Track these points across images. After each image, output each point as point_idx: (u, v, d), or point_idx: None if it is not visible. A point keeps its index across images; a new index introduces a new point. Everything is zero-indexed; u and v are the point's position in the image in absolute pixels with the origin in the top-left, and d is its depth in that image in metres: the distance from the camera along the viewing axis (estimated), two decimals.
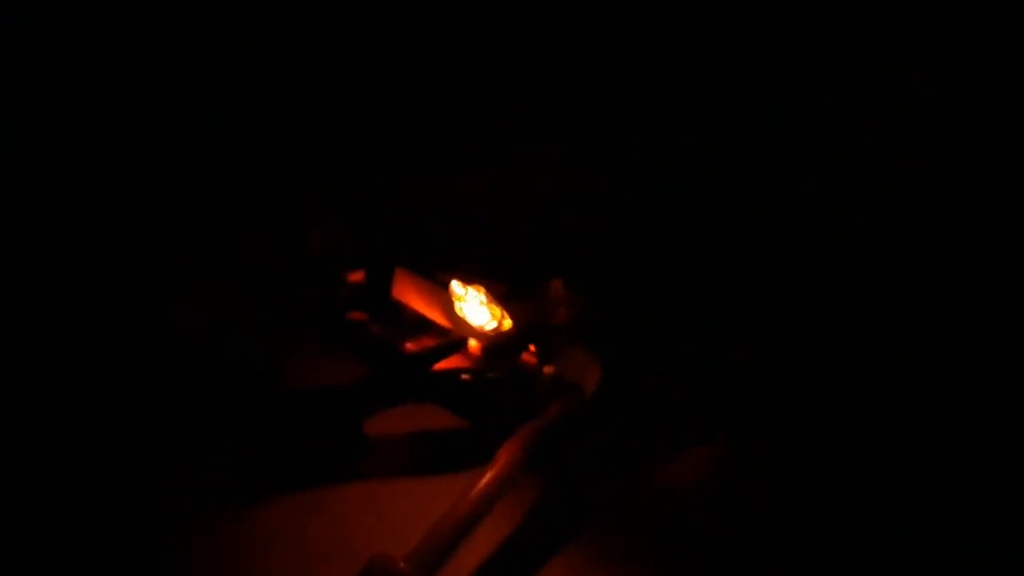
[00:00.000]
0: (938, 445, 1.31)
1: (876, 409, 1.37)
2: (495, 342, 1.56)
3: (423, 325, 1.65)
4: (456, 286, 1.54)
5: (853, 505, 1.23)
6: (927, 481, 1.25)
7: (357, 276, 1.71)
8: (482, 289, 1.52)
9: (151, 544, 1.14)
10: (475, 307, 1.53)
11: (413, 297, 1.65)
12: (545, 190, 1.82)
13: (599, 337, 1.58)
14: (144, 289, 1.54)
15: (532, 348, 1.60)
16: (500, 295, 1.50)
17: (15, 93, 1.41)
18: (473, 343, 1.60)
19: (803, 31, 1.44)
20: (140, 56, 1.58)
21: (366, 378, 1.47)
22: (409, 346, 1.61)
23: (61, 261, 1.48)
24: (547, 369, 1.45)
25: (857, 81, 1.44)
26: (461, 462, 1.35)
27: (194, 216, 1.78)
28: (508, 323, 1.54)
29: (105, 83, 1.56)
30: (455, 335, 1.60)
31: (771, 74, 1.50)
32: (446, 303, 1.58)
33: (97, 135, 1.61)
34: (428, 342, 1.60)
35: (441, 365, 1.56)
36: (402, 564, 1.09)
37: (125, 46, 1.54)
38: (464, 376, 1.49)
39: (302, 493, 1.37)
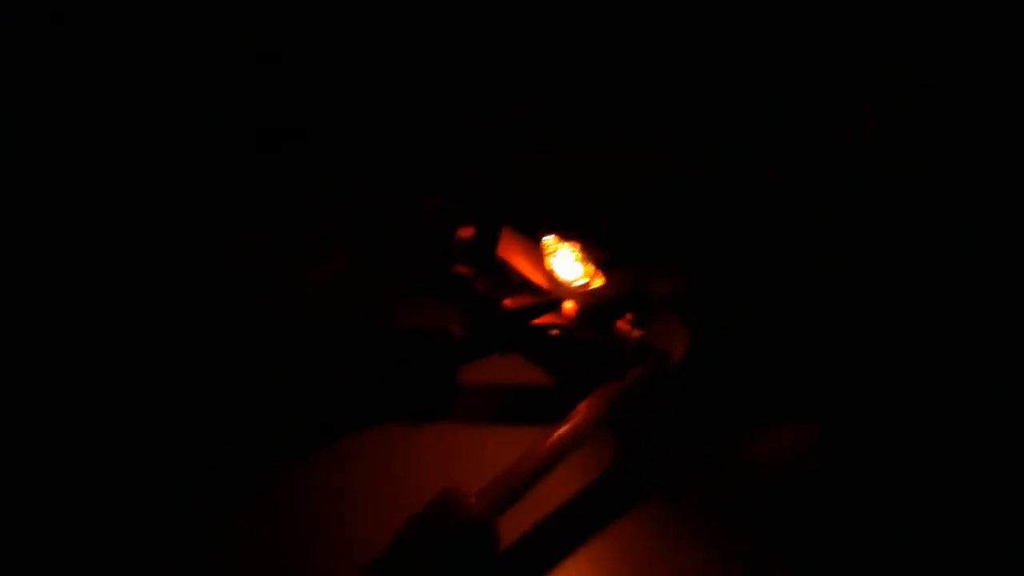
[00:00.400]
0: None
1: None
2: (589, 303, 1.60)
3: (524, 284, 1.72)
4: (549, 239, 1.60)
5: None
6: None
7: (467, 232, 1.79)
8: (577, 246, 1.57)
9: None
10: (566, 262, 1.58)
11: (517, 256, 1.72)
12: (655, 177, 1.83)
13: (696, 314, 1.60)
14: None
15: (628, 317, 1.63)
16: (598, 259, 1.55)
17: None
18: (568, 304, 1.65)
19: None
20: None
21: (464, 328, 1.55)
22: (507, 302, 1.68)
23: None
24: (636, 333, 1.49)
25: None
26: (544, 415, 1.41)
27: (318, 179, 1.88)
28: (599, 282, 1.59)
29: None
30: (553, 295, 1.66)
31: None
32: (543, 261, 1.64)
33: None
34: (526, 300, 1.67)
35: (536, 322, 1.62)
36: (472, 500, 1.14)
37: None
38: (553, 331, 1.54)
39: (392, 427, 1.45)
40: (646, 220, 1.78)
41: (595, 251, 1.55)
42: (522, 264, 1.71)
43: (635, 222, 1.77)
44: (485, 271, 1.74)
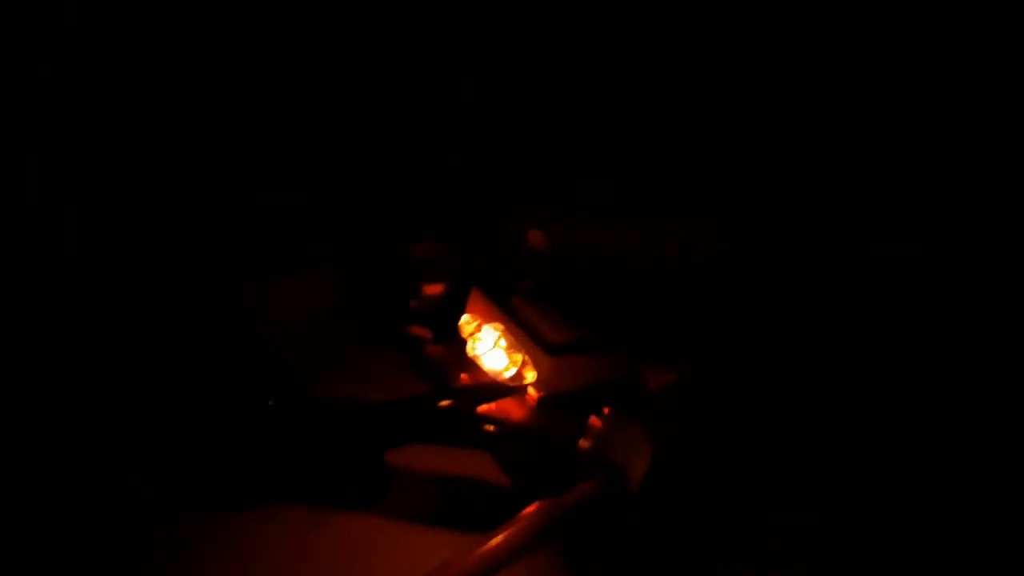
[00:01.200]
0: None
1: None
2: (553, 397, 1.38)
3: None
4: (466, 321, 1.39)
5: None
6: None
7: (434, 289, 1.57)
8: (500, 328, 1.35)
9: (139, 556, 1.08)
10: (489, 348, 1.37)
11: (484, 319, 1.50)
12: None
13: (684, 416, 1.36)
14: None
15: (605, 413, 1.40)
16: (556, 342, 1.33)
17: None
18: (533, 392, 1.42)
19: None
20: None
21: (402, 401, 1.33)
22: (464, 377, 1.46)
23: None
24: (583, 443, 1.25)
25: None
26: (481, 517, 1.18)
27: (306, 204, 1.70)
28: (531, 375, 1.35)
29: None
30: (518, 377, 1.43)
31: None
32: (517, 336, 1.42)
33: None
34: (484, 378, 1.44)
35: (490, 407, 1.39)
36: None
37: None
38: (488, 427, 1.32)
39: (307, 510, 1.24)
40: (642, 291, 1.54)
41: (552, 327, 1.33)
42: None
43: (630, 293, 1.54)
44: (443, 337, 1.52)
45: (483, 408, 1.36)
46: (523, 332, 1.40)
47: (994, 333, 1.25)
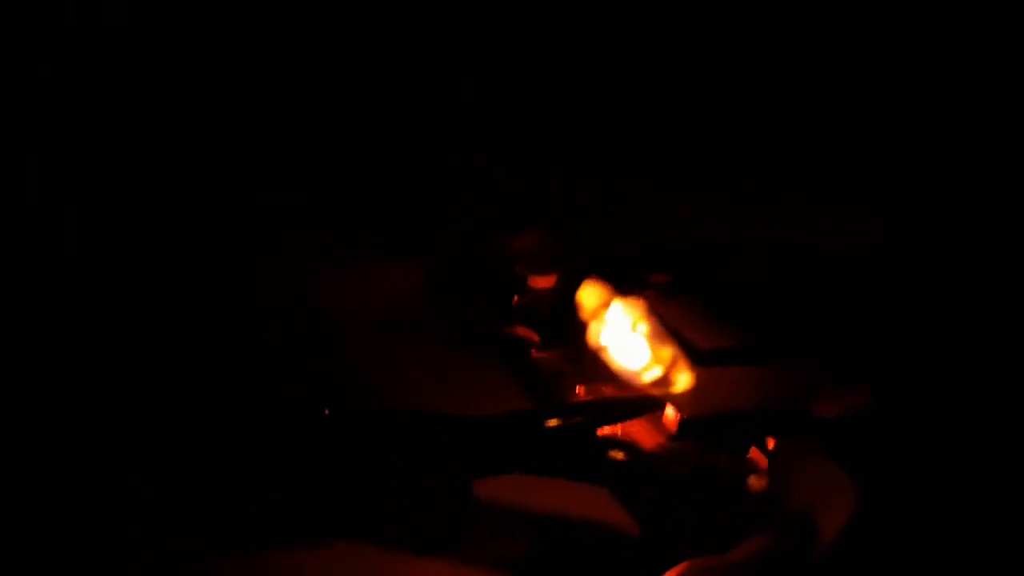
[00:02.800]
0: None
1: None
2: (701, 419, 1.02)
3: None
4: (587, 295, 1.01)
5: None
6: None
7: (543, 282, 1.25)
8: (640, 307, 0.98)
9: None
10: (622, 334, 0.99)
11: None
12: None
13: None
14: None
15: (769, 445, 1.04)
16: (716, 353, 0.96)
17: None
18: (671, 412, 1.07)
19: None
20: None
21: (497, 419, 1.00)
22: (580, 390, 1.12)
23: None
24: (756, 482, 0.89)
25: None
26: None
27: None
28: (684, 380, 0.98)
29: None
30: (653, 392, 1.08)
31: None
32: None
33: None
34: (608, 391, 1.10)
35: (614, 429, 1.04)
36: None
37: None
38: (615, 454, 0.96)
39: (366, 549, 0.93)
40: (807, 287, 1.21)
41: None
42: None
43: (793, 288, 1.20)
44: (554, 340, 1.19)
45: (606, 430, 1.01)
46: (663, 336, 1.05)
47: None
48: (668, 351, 0.98)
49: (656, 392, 1.00)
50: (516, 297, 1.25)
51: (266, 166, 1.39)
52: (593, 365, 1.14)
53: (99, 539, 0.93)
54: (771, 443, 1.05)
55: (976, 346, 1.04)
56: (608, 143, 1.43)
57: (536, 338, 1.21)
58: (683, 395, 1.01)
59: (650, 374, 1.00)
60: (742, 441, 1.05)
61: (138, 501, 0.96)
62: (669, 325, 1.07)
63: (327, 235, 1.35)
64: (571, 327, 1.19)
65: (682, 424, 1.05)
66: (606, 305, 1.03)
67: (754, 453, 1.04)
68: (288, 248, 1.33)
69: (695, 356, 1.04)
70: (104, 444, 1.01)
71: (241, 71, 1.39)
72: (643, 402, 1.06)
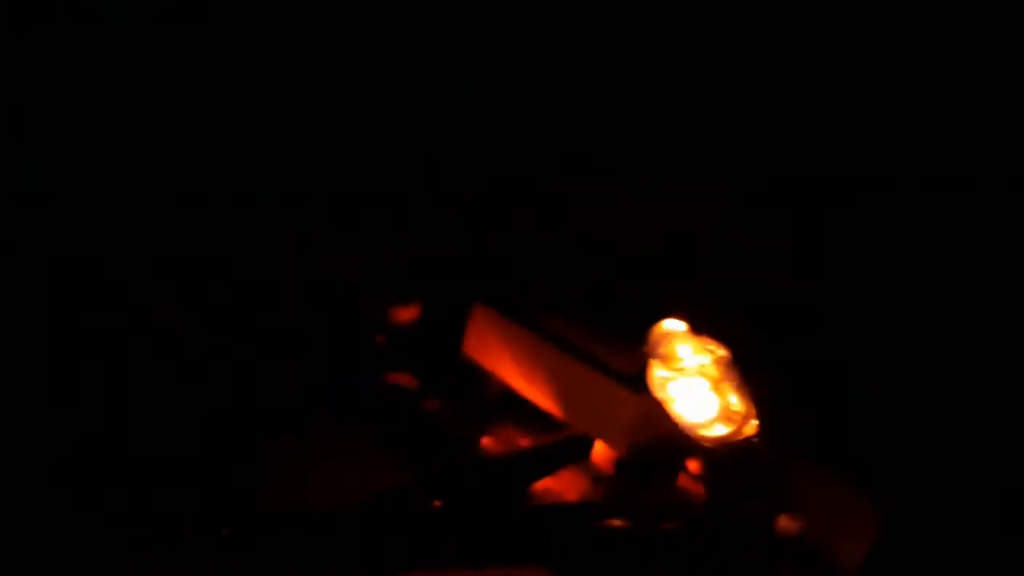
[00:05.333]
0: None
1: None
2: (636, 451, 0.88)
3: (512, 406, 0.98)
4: (680, 345, 0.83)
5: None
6: None
7: (408, 314, 1.05)
8: (721, 359, 0.81)
9: None
10: (696, 389, 0.83)
11: (500, 356, 0.98)
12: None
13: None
14: None
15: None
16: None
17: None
18: (600, 449, 0.92)
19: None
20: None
21: (399, 491, 0.81)
22: (486, 441, 0.94)
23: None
24: (788, 524, 0.77)
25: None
26: None
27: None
28: (751, 427, 0.83)
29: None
30: (571, 429, 0.93)
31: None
32: (569, 373, 0.91)
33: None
34: (523, 438, 0.93)
35: (545, 485, 0.88)
36: None
37: None
38: (613, 520, 0.80)
39: None
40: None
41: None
42: (510, 368, 0.98)
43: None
44: (440, 381, 1.00)
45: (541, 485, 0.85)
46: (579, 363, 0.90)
47: None
48: (740, 404, 0.81)
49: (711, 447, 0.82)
50: (380, 336, 1.03)
51: None
52: (502, 409, 0.97)
53: None
54: (693, 466, 0.94)
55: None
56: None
57: (414, 384, 1.00)
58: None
59: (717, 430, 0.83)
60: (670, 469, 0.94)
61: None
62: (582, 348, 0.93)
63: None
64: (459, 365, 1.00)
65: (621, 463, 0.91)
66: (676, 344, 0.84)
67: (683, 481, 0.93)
68: None
69: (626, 381, 0.90)
70: None
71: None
72: (572, 444, 0.91)
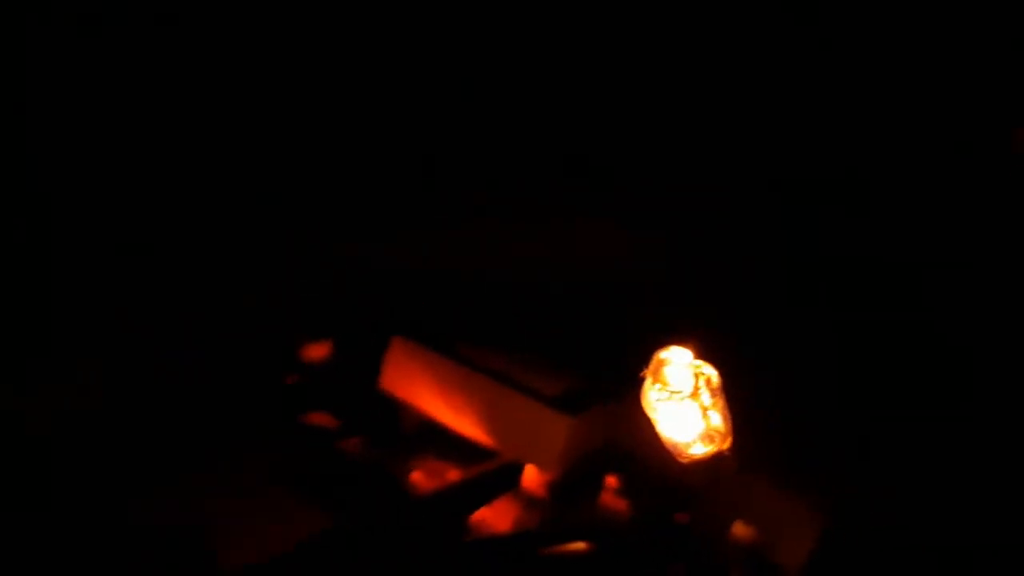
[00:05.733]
0: None
1: None
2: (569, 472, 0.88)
3: (435, 438, 0.96)
4: (678, 371, 0.82)
5: None
6: None
7: (320, 351, 1.01)
8: (714, 387, 0.82)
9: None
10: (685, 412, 0.82)
11: (422, 388, 0.96)
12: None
13: None
14: None
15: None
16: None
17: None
18: (531, 474, 0.92)
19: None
20: None
21: (326, 537, 0.77)
22: (416, 476, 0.91)
23: None
24: (740, 530, 0.78)
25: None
26: None
27: None
28: (727, 444, 0.83)
29: None
30: (501, 457, 0.92)
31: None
32: (499, 400, 0.90)
33: None
34: (452, 471, 0.91)
35: (480, 516, 0.86)
36: None
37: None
38: (578, 545, 0.79)
39: None
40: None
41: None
42: (432, 400, 0.96)
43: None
44: (359, 419, 0.97)
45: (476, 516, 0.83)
46: (509, 389, 0.89)
47: None
48: (724, 427, 0.80)
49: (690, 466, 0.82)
50: (291, 377, 0.99)
51: None
52: (425, 442, 0.94)
53: None
54: (612, 481, 0.95)
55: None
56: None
57: (333, 424, 0.97)
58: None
59: (697, 449, 0.82)
60: (595, 486, 0.94)
61: None
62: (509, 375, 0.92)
63: None
64: (377, 401, 0.97)
65: (555, 485, 0.91)
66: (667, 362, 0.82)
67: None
68: None
69: (555, 404, 0.90)
70: None
71: None
72: (503, 472, 0.90)
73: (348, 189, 1.15)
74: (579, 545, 0.80)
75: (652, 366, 0.79)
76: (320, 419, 0.97)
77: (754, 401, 0.80)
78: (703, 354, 0.80)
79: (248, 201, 1.11)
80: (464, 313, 1.03)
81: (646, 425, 0.80)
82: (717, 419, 0.79)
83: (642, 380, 0.79)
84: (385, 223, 1.13)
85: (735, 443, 0.78)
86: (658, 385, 0.79)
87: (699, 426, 0.78)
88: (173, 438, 0.95)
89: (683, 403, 0.78)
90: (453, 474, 0.91)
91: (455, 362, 0.94)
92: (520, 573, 0.81)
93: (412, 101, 1.20)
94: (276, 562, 0.79)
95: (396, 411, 0.98)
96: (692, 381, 0.78)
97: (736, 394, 0.79)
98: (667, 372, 0.79)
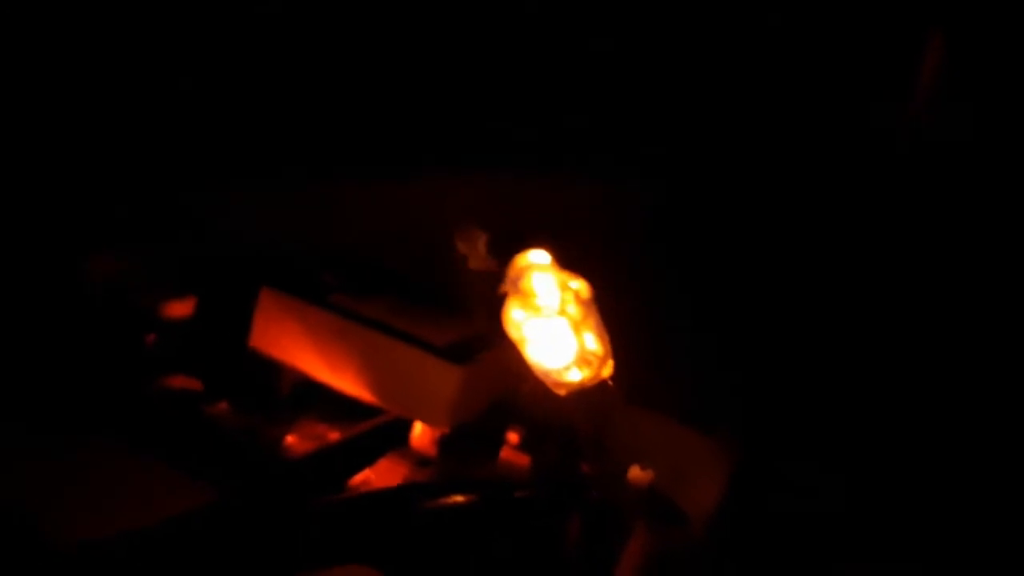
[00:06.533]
0: None
1: None
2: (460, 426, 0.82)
3: (313, 397, 0.88)
4: (541, 279, 0.73)
5: None
6: None
7: (181, 309, 0.91)
8: (583, 298, 0.73)
9: None
10: (554, 330, 0.73)
11: (296, 344, 0.88)
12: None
13: None
14: None
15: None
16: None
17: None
18: (420, 431, 0.85)
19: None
20: None
21: (199, 510, 0.69)
22: (291, 439, 0.83)
23: None
24: (637, 474, 0.73)
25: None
26: None
27: None
28: (608, 369, 0.76)
29: None
30: (386, 414, 0.85)
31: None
32: (381, 352, 0.82)
33: None
34: (331, 431, 0.84)
35: (363, 478, 0.79)
36: None
37: None
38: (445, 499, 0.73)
39: None
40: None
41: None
42: (305, 355, 0.88)
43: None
44: (224, 380, 0.88)
45: (359, 478, 0.76)
46: (391, 340, 0.82)
47: None
48: (601, 349, 0.73)
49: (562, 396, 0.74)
50: (150, 336, 0.89)
51: None
52: (302, 402, 0.86)
53: None
54: (514, 437, 0.90)
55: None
56: None
57: (199, 387, 0.87)
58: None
59: (572, 375, 0.74)
60: (493, 442, 0.88)
61: None
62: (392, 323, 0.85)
63: None
64: (245, 359, 0.89)
65: (445, 441, 0.84)
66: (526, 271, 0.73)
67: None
68: None
69: (442, 353, 0.83)
70: None
71: None
72: (389, 430, 0.83)
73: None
74: (458, 498, 0.73)
75: (511, 275, 0.72)
76: (183, 382, 0.88)
77: (635, 321, 0.75)
78: (567, 263, 0.74)
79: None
80: (338, 264, 0.95)
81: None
82: (592, 340, 0.73)
83: (502, 297, 0.72)
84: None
85: (617, 370, 0.72)
86: (519, 301, 0.72)
87: (573, 347, 0.72)
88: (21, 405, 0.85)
89: (551, 319, 0.71)
90: (332, 435, 0.84)
91: (331, 313, 0.86)
92: (401, 529, 0.74)
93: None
94: (132, 538, 0.71)
95: (269, 370, 0.90)
96: (558, 293, 0.72)
97: (611, 313, 0.73)
98: (530, 282, 0.72)
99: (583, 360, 0.72)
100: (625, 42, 1.25)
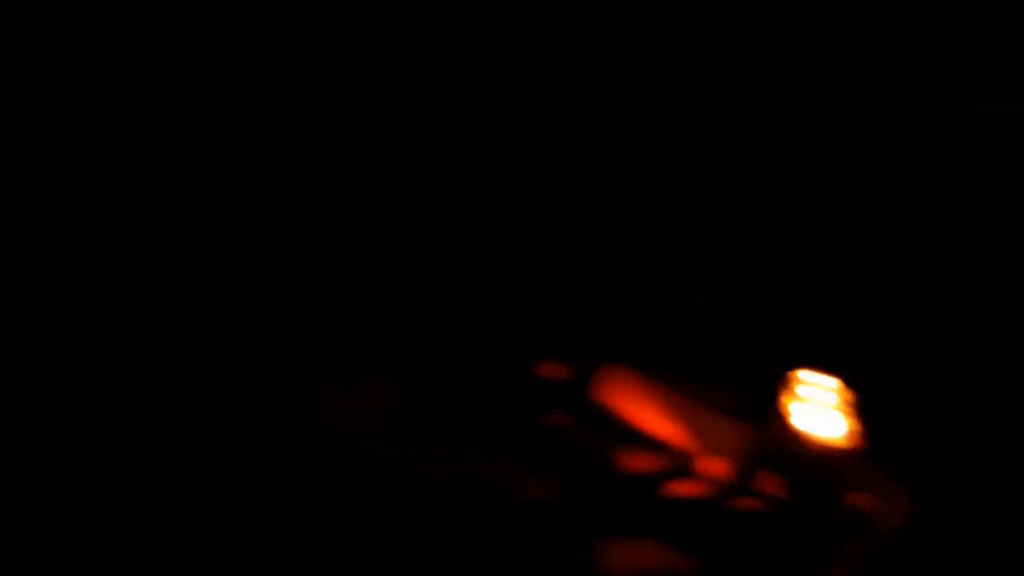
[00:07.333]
0: None
1: None
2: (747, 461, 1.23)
3: (633, 436, 1.34)
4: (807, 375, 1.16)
5: None
6: None
7: (557, 372, 1.42)
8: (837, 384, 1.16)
9: None
10: (821, 408, 1.15)
11: (626, 398, 1.35)
12: None
13: None
14: None
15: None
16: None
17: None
18: (708, 464, 1.28)
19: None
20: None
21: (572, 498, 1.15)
22: (628, 460, 1.30)
23: None
24: (860, 500, 1.11)
25: None
26: None
27: None
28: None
29: None
30: (684, 452, 1.28)
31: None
32: (677, 410, 1.27)
33: None
34: (649, 460, 1.29)
35: (671, 489, 1.23)
36: None
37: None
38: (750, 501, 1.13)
39: None
40: None
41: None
42: (634, 408, 1.35)
43: None
44: (586, 419, 1.36)
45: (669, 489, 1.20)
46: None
47: None
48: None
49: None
50: None
51: None
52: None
53: None
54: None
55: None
56: None
57: (572, 422, 1.38)
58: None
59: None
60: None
61: None
62: None
63: None
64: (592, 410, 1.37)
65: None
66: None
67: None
68: None
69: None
70: None
71: None
72: (686, 461, 1.27)
73: None
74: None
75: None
76: (560, 419, 1.37)
77: None
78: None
79: None
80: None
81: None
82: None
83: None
84: None
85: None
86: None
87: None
88: None
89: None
90: (649, 460, 1.29)
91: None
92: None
93: None
94: None
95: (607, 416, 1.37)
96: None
97: None
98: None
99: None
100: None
